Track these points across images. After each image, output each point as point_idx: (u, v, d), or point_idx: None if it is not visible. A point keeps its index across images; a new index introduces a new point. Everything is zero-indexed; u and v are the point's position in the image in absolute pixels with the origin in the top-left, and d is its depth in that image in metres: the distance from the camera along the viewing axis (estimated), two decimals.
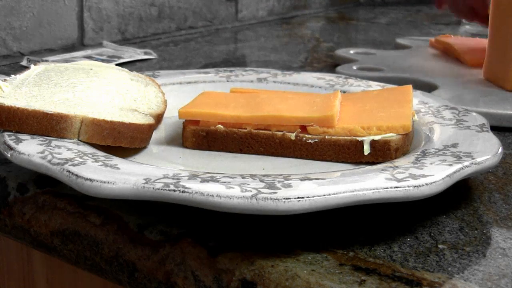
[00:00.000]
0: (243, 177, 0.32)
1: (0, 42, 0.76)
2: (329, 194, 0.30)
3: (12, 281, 0.45)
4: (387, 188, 0.31)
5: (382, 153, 0.40)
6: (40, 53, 0.81)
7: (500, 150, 0.37)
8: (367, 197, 0.31)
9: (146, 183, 0.31)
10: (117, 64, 0.65)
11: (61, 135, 0.39)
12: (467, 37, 0.97)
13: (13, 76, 0.44)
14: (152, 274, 0.32)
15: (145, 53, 0.81)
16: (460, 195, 0.38)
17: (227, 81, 0.57)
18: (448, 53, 0.78)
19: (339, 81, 0.56)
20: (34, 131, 0.38)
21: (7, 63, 0.75)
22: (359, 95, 0.49)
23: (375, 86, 0.54)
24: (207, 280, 0.30)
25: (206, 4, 1.08)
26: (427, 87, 0.60)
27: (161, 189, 0.30)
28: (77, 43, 0.86)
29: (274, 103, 0.44)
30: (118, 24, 0.92)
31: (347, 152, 0.41)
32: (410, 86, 0.48)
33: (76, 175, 0.32)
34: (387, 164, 0.35)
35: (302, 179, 0.32)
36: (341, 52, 0.81)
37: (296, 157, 0.42)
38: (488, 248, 0.31)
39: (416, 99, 0.48)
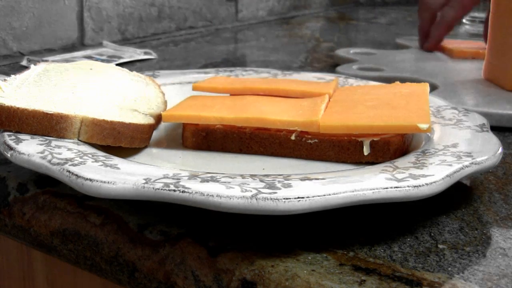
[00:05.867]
0: (243, 177, 0.32)
1: (0, 42, 0.76)
2: (329, 194, 0.30)
3: (12, 281, 0.45)
4: (387, 188, 0.31)
5: (382, 153, 0.40)
6: (40, 53, 0.81)
7: (500, 150, 0.37)
8: (367, 197, 0.31)
9: (146, 183, 0.31)
10: (117, 64, 0.65)
11: (61, 135, 0.39)
12: (465, 39, 0.97)
13: (13, 76, 0.44)
14: (152, 274, 0.32)
15: (145, 53, 0.81)
16: (460, 195, 0.38)
17: None
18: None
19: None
20: (34, 131, 0.38)
21: (7, 63, 0.75)
22: (371, 89, 0.49)
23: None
24: (207, 280, 0.30)
25: (206, 4, 1.08)
26: None
27: (161, 189, 0.30)
28: (77, 43, 0.86)
29: (260, 106, 0.44)
30: (118, 24, 0.92)
31: (347, 152, 0.41)
32: (426, 85, 0.48)
33: (76, 175, 0.32)
34: (387, 164, 0.35)
35: (302, 179, 0.32)
36: (341, 52, 0.81)
37: (296, 157, 0.42)
38: (488, 248, 0.31)
39: None
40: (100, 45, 0.88)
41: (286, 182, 0.31)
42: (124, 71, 0.50)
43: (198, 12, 1.06)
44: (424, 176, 0.32)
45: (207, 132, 0.43)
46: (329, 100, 0.45)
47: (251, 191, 0.30)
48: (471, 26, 1.09)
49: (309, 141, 0.41)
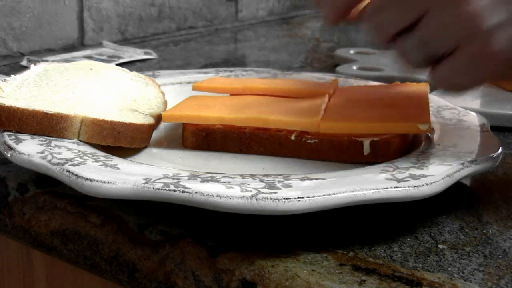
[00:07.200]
0: (243, 177, 0.32)
1: (0, 42, 0.76)
2: (329, 194, 0.30)
3: (12, 281, 0.45)
4: (387, 188, 0.31)
5: (382, 153, 0.40)
6: (40, 53, 0.81)
7: (500, 150, 0.37)
8: (367, 197, 0.31)
9: (146, 183, 0.31)
10: (117, 64, 0.65)
11: (61, 135, 0.39)
12: None
13: (13, 76, 0.44)
14: (152, 274, 0.32)
15: (145, 53, 0.81)
16: (460, 195, 0.38)
17: None
18: None
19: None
20: (34, 131, 0.38)
21: (7, 63, 0.75)
22: (370, 89, 0.49)
23: None
24: (207, 280, 0.30)
25: (206, 4, 1.07)
26: None
27: (161, 189, 0.30)
28: (77, 43, 0.86)
29: (260, 106, 0.44)
30: (118, 24, 0.92)
31: (347, 152, 0.40)
32: (426, 85, 0.48)
33: (76, 175, 0.32)
34: (387, 164, 0.35)
35: (302, 179, 0.32)
36: (341, 52, 0.81)
37: (296, 157, 0.42)
38: (488, 248, 0.31)
39: None
40: (100, 45, 0.87)
41: (286, 182, 0.31)
42: (124, 71, 0.50)
43: (198, 12, 1.06)
44: (424, 176, 0.32)
45: (207, 132, 0.43)
46: (329, 100, 0.45)
47: (251, 191, 0.30)
48: None
49: (309, 141, 0.41)
